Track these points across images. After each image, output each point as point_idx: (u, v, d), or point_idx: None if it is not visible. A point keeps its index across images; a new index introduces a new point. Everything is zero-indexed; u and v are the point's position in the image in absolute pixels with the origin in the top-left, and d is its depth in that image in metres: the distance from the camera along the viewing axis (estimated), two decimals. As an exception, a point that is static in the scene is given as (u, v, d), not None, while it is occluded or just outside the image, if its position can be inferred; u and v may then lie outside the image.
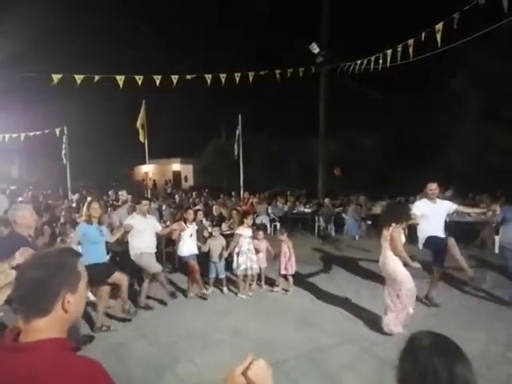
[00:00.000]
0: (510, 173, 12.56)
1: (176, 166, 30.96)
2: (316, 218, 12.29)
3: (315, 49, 14.24)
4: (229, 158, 17.37)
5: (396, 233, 4.47)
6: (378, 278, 5.78)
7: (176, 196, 15.30)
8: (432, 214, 5.36)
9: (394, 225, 4.47)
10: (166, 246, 8.07)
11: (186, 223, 6.24)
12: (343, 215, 12.08)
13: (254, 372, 1.04)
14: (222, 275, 6.52)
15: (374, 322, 4.96)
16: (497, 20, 6.32)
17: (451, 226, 9.14)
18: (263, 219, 12.43)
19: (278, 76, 13.72)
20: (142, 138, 12.59)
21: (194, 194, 15.95)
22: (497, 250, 9.00)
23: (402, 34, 8.80)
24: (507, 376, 3.74)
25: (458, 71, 15.85)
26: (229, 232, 8.05)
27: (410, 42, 7.99)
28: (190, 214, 6.40)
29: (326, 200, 12.84)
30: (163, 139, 24.66)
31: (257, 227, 12.17)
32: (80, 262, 1.26)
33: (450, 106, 16.17)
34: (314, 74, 15.04)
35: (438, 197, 5.59)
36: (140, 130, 12.41)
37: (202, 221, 7.85)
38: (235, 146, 15.21)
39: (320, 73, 15.11)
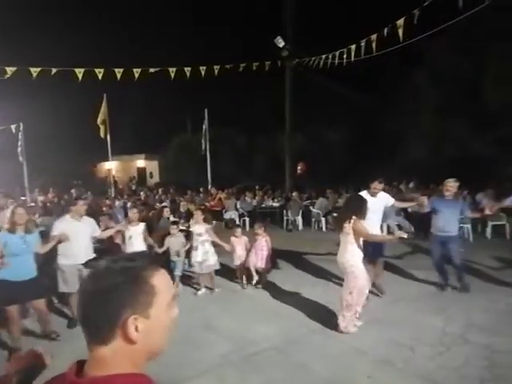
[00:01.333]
0: (466, 163, 13.26)
1: (140, 163, 30.20)
2: (284, 211, 12.40)
3: (280, 42, 14.29)
4: (195, 153, 17.20)
5: (358, 224, 4.45)
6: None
7: (141, 193, 14.95)
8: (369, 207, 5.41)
9: (354, 217, 4.45)
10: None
11: (129, 223, 5.92)
12: (311, 208, 12.26)
13: None
14: (178, 272, 6.32)
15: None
16: (454, 16, 6.58)
17: (412, 217, 9.56)
18: (232, 214, 12.40)
19: (242, 69, 13.70)
20: (102, 134, 12.21)
21: (160, 190, 15.64)
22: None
23: (366, 29, 8.99)
24: (464, 356, 3.93)
25: (417, 66, 16.43)
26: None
27: (373, 37, 8.17)
28: (134, 214, 6.01)
29: (294, 194, 12.98)
30: (126, 135, 24.08)
31: (225, 223, 12.28)
32: (159, 275, 0.91)
33: (411, 100, 16.75)
34: (279, 68, 15.11)
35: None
36: (101, 126, 12.02)
37: (168, 218, 7.71)
38: (202, 141, 15.07)
39: (285, 67, 15.19)
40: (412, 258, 8.02)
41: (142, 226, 5.95)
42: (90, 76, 11.45)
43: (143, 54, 21.91)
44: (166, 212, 7.61)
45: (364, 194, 5.54)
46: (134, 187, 20.02)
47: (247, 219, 12.30)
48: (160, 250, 6.23)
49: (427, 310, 5.11)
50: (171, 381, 3.69)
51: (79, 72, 11.20)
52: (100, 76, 11.44)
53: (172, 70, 12.01)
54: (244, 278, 6.48)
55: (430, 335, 4.43)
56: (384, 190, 5.83)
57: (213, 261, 6.16)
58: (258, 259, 6.34)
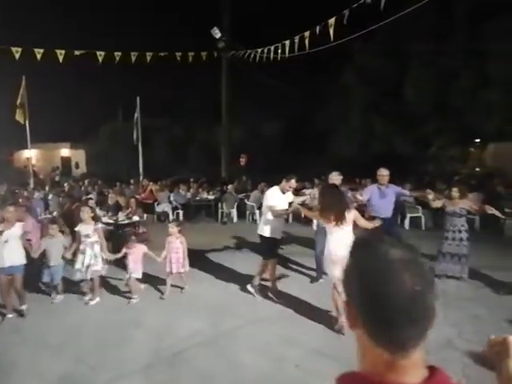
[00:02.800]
0: (390, 159, 14.26)
1: (65, 152, 28.08)
2: (219, 204, 12.32)
3: (217, 33, 14.08)
4: (127, 143, 16.38)
5: (357, 214, 4.64)
6: (281, 261, 6.04)
7: (65, 184, 13.89)
8: (279, 205, 5.36)
9: (350, 207, 4.62)
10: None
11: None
12: (246, 201, 12.33)
13: None
14: (57, 281, 5.47)
15: (270, 299, 5.20)
16: (380, 18, 6.96)
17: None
18: (165, 207, 12.03)
19: (178, 59, 13.31)
20: (20, 119, 11.12)
21: (86, 181, 14.66)
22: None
23: (301, 25, 9.16)
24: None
25: (347, 65, 17.26)
26: (126, 222, 7.59)
27: (306, 34, 8.36)
28: (10, 213, 4.96)
29: (230, 186, 12.93)
30: (50, 121, 22.22)
31: (158, 216, 11.89)
32: None
33: (340, 98, 17.56)
34: (216, 59, 14.90)
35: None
36: (18, 110, 10.93)
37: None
38: (134, 131, 14.39)
39: (222, 58, 15.03)
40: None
41: (19, 227, 5.02)
42: (5, 55, 10.33)
43: (71, 36, 20.34)
44: (92, 204, 7.12)
45: (275, 189, 5.45)
46: (57, 178, 18.47)
47: (181, 212, 12.03)
48: (35, 255, 5.30)
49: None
50: (96, 383, 3.48)
51: (-8, 49, 10.05)
52: (17, 56, 10.36)
53: (100, 54, 11.24)
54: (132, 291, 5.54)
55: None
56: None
57: (100, 266, 5.41)
58: (174, 263, 5.61)
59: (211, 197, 13.06)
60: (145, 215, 8.55)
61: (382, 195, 6.08)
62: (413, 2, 6.79)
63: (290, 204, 5.53)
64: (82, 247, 5.34)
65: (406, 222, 10.59)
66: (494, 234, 8.96)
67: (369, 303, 0.76)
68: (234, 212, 12.13)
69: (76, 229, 5.42)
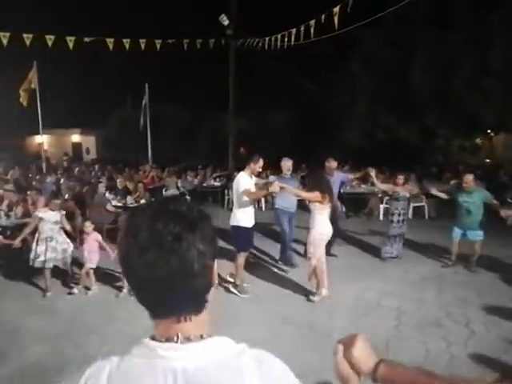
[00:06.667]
0: (395, 147, 14.27)
1: (76, 138, 28.47)
2: (226, 191, 12.54)
3: (225, 20, 14.07)
4: (136, 130, 16.64)
5: None
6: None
7: (76, 169, 14.21)
8: (251, 189, 5.18)
9: None
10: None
11: None
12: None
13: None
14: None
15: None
16: (385, 7, 6.95)
17: (344, 197, 10.18)
18: (173, 193, 12.30)
19: (185, 46, 13.40)
20: (24, 101, 11.39)
21: (96, 167, 14.99)
22: (381, 217, 10.29)
23: (307, 14, 9.16)
24: (378, 318, 4.42)
25: (354, 53, 17.17)
26: (135, 205, 7.85)
27: (312, 22, 8.40)
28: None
29: (236, 173, 13.11)
30: (61, 108, 22.56)
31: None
32: None
33: (347, 86, 17.53)
34: (224, 47, 14.92)
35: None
36: (22, 93, 11.20)
37: (104, 194, 7.52)
38: (141, 117, 14.62)
39: (230, 46, 15.05)
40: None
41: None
42: (17, 42, 10.53)
43: (81, 23, 20.48)
44: (101, 187, 7.39)
45: (243, 174, 5.16)
46: (65, 164, 18.66)
47: (188, 198, 12.28)
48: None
49: (346, 279, 5.54)
50: None
51: (4, 36, 10.25)
52: (28, 42, 10.56)
53: (110, 41, 11.39)
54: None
55: (349, 302, 4.89)
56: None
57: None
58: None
59: (218, 183, 13.29)
60: (152, 199, 8.79)
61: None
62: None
63: (265, 185, 5.51)
64: (51, 235, 5.12)
65: (410, 211, 10.67)
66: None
67: None
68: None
69: (38, 214, 5.09)
